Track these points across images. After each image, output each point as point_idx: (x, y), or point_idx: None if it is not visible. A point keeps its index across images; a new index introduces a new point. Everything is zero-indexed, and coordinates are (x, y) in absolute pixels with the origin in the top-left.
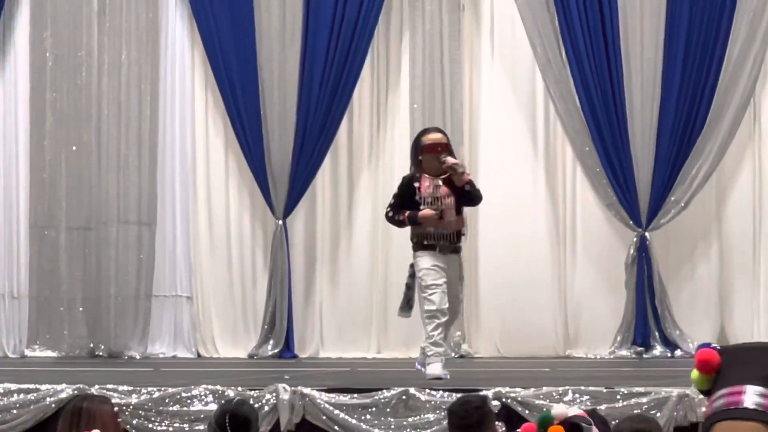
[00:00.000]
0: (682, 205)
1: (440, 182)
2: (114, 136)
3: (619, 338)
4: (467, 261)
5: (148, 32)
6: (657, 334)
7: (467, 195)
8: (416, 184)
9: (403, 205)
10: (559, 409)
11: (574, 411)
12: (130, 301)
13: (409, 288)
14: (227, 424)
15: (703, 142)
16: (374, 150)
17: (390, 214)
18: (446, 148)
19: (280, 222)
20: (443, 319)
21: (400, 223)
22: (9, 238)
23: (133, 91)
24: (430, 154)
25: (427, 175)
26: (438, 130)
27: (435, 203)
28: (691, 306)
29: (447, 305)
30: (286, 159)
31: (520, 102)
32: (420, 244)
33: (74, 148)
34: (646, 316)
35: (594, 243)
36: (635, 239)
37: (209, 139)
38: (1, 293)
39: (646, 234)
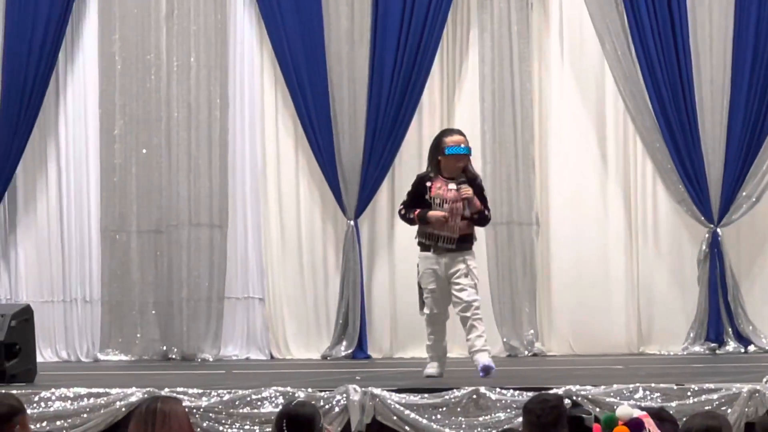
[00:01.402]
0: (754, 200)
1: (453, 186)
2: (184, 138)
3: (692, 335)
4: (540, 259)
5: (216, 34)
6: (730, 330)
7: (475, 221)
8: (428, 184)
9: (415, 203)
10: (624, 410)
11: (638, 412)
12: (202, 304)
13: (421, 288)
14: (284, 427)
15: None
16: None
17: (402, 211)
18: (467, 157)
19: (352, 222)
20: (438, 325)
21: (410, 221)
22: (81, 243)
23: (203, 93)
24: (453, 157)
25: (441, 177)
26: (460, 132)
27: (443, 205)
28: (764, 301)
29: (443, 308)
30: (356, 159)
31: (589, 99)
32: (421, 243)
33: (144, 151)
34: (719, 312)
35: (666, 239)
36: (707, 235)
37: (279, 141)
38: (74, 298)
39: (718, 230)
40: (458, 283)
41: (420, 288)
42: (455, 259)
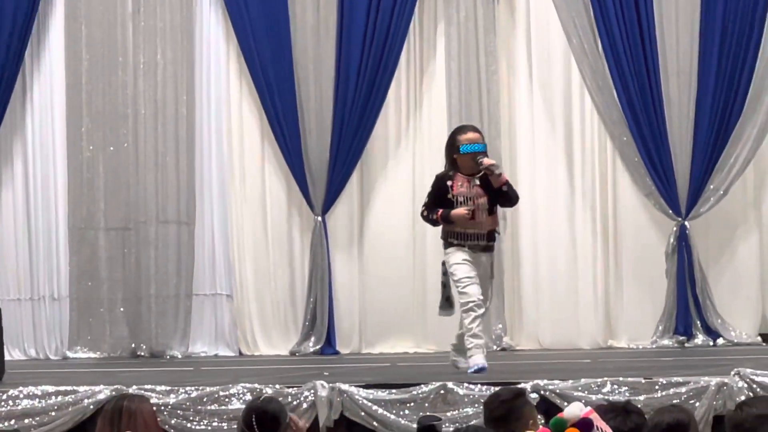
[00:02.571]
0: (722, 192)
1: (474, 181)
2: (151, 135)
3: (660, 328)
4: (508, 254)
5: (182, 31)
6: (699, 323)
7: (504, 195)
8: (449, 183)
9: (437, 203)
10: (571, 411)
11: (585, 410)
12: (170, 301)
13: (445, 286)
14: (254, 423)
15: (741, 128)
16: (411, 144)
17: (425, 213)
18: (484, 153)
19: (319, 218)
20: (480, 311)
21: (434, 222)
22: (48, 240)
23: (169, 90)
24: (468, 155)
25: (461, 174)
26: (474, 129)
27: (467, 203)
28: (732, 294)
29: (482, 296)
30: (323, 155)
31: (556, 94)
32: (450, 242)
33: (111, 148)
34: (688, 306)
35: (634, 233)
36: (675, 228)
37: (246, 137)
38: (41, 295)
39: (686, 223)
40: (483, 287)
41: (443, 286)
42: (487, 261)
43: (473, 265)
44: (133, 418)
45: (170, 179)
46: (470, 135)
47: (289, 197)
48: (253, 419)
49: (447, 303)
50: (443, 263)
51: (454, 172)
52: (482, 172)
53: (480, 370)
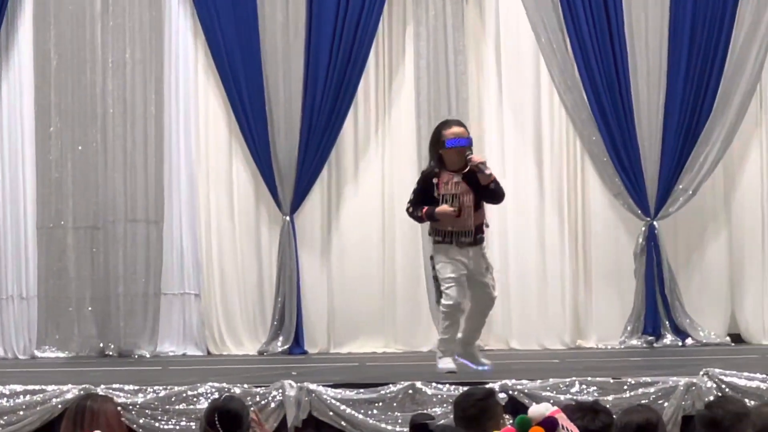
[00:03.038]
0: (690, 193)
1: (460, 178)
2: (120, 134)
3: (629, 328)
4: None
5: (151, 30)
6: (667, 323)
7: (491, 193)
8: (435, 180)
9: (423, 200)
10: (536, 410)
11: (551, 410)
12: (138, 300)
13: (437, 280)
14: (216, 422)
15: (710, 129)
16: (380, 143)
17: (410, 210)
18: (469, 148)
19: (287, 218)
20: (458, 315)
21: (419, 219)
22: (17, 239)
23: (138, 89)
24: (454, 150)
25: (447, 171)
26: (459, 123)
27: (453, 200)
28: (701, 294)
29: (464, 299)
30: (292, 154)
31: (525, 93)
32: (438, 239)
33: (80, 147)
34: (656, 306)
35: (602, 233)
36: (644, 228)
37: (214, 136)
38: (9, 294)
39: (655, 223)
40: (483, 281)
41: (436, 281)
42: (477, 254)
43: (459, 263)
44: (96, 417)
45: (139, 178)
46: (455, 129)
47: (257, 196)
48: (216, 418)
49: (441, 297)
50: (431, 258)
51: (439, 168)
52: (468, 168)
53: (449, 374)
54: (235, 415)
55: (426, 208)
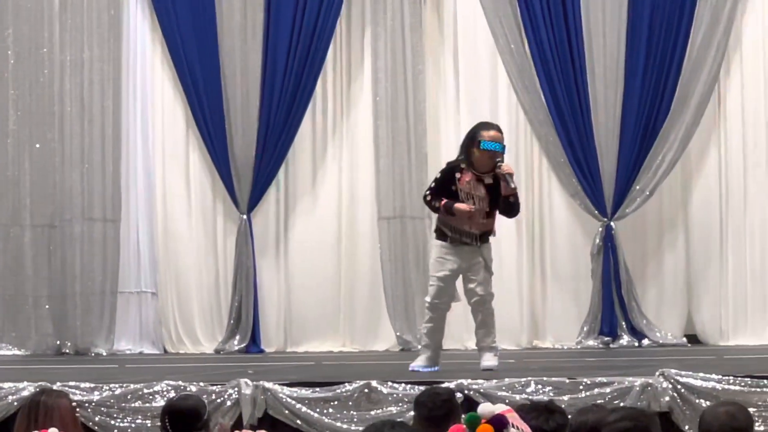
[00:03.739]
0: (648, 193)
1: (483, 181)
2: (77, 133)
3: (585, 328)
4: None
5: (110, 29)
6: (624, 323)
7: (508, 205)
8: (457, 175)
9: (441, 191)
10: (486, 407)
11: (500, 408)
12: (95, 298)
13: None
14: (167, 422)
15: (668, 130)
16: (338, 143)
17: (428, 198)
18: (502, 155)
19: (245, 216)
20: (437, 314)
21: (435, 209)
22: None
23: (96, 88)
24: (487, 152)
25: (472, 170)
26: (498, 128)
27: (469, 199)
28: (658, 295)
29: (444, 298)
30: (249, 153)
31: (483, 94)
32: (439, 233)
33: (38, 145)
34: (613, 306)
35: (559, 233)
36: (601, 229)
37: (172, 135)
38: None
39: (612, 223)
40: (476, 277)
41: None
42: (473, 253)
43: (449, 262)
44: (50, 413)
45: (96, 177)
46: (493, 133)
47: (214, 195)
48: (167, 420)
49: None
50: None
51: (467, 165)
52: (493, 173)
53: (414, 371)
54: (189, 413)
55: (445, 200)
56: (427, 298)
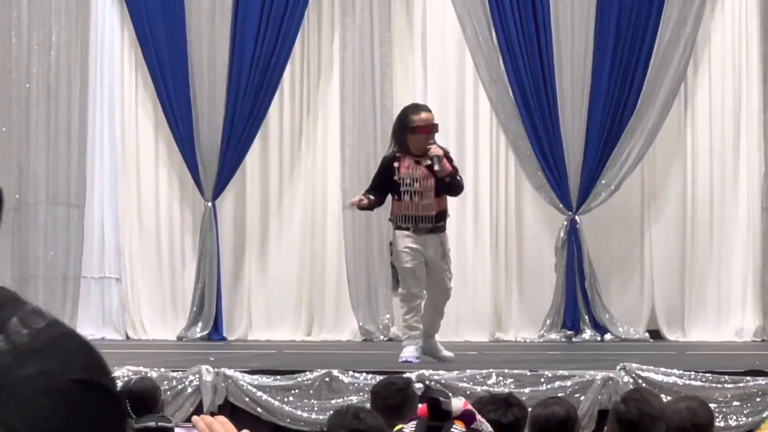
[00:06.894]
0: (613, 188)
1: (421, 163)
2: (43, 117)
3: (548, 322)
4: None
5: (77, 13)
6: (587, 317)
7: (447, 186)
8: (396, 164)
9: (379, 186)
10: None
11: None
12: (58, 283)
13: (395, 267)
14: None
15: (634, 125)
16: (304, 132)
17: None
18: (437, 129)
19: (209, 204)
20: (416, 302)
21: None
22: None
23: (63, 72)
24: (422, 135)
25: (409, 156)
26: (428, 108)
27: (414, 184)
28: (621, 290)
29: (418, 287)
30: (215, 141)
31: (450, 85)
32: (398, 225)
33: (3, 129)
34: (576, 300)
35: (524, 226)
36: (565, 222)
37: (138, 121)
38: None
39: (577, 217)
40: (440, 270)
41: (393, 267)
42: (435, 241)
43: (416, 252)
44: None
45: (61, 161)
46: (424, 115)
47: (180, 182)
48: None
49: (398, 284)
50: (390, 244)
51: (401, 153)
52: (428, 144)
53: (407, 361)
54: (144, 395)
55: (365, 199)
56: (402, 290)
